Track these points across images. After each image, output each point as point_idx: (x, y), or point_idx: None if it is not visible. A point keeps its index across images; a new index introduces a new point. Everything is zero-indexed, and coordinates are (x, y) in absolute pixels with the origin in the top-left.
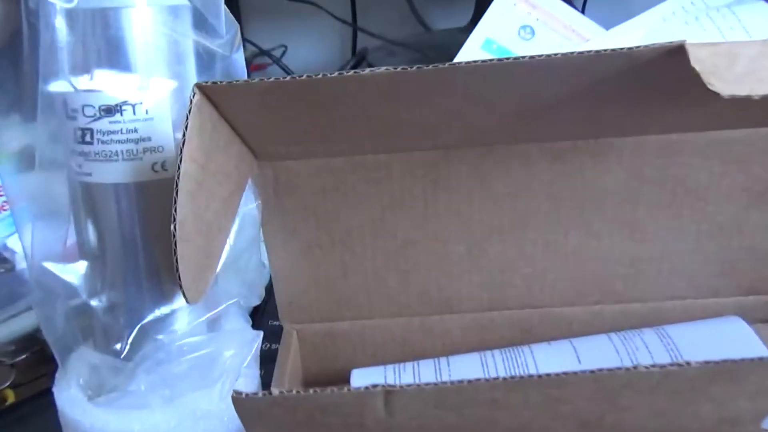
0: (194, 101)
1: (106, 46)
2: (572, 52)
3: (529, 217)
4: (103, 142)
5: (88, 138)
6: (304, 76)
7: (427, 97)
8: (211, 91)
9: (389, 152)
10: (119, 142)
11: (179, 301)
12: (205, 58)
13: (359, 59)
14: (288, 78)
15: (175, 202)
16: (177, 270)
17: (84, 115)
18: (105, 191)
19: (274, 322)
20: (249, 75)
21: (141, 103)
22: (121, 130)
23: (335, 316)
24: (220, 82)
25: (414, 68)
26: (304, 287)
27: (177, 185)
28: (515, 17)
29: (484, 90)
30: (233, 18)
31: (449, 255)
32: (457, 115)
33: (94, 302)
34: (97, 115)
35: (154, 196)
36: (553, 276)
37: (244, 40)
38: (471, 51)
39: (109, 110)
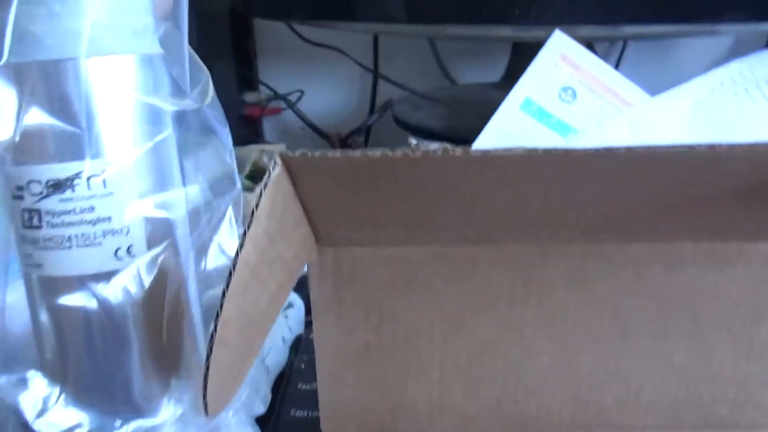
0: (273, 175)
1: (49, 106)
2: (725, 144)
3: (631, 326)
4: (53, 226)
5: (35, 221)
6: (399, 153)
7: (549, 185)
8: (293, 164)
9: (477, 244)
10: (72, 224)
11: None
12: (179, 114)
13: (383, 111)
14: (381, 153)
15: (224, 296)
16: (206, 378)
17: (30, 193)
18: (59, 286)
19: (297, 413)
20: (261, 120)
21: (98, 175)
22: (75, 209)
23: (388, 427)
24: (307, 153)
25: (541, 150)
26: (355, 393)
27: (231, 275)
28: (557, 78)
29: (621, 179)
30: (201, 64)
31: (531, 365)
32: (573, 205)
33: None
34: (45, 192)
35: (119, 290)
36: (651, 396)
37: (259, 81)
38: (510, 110)
39: (59, 185)
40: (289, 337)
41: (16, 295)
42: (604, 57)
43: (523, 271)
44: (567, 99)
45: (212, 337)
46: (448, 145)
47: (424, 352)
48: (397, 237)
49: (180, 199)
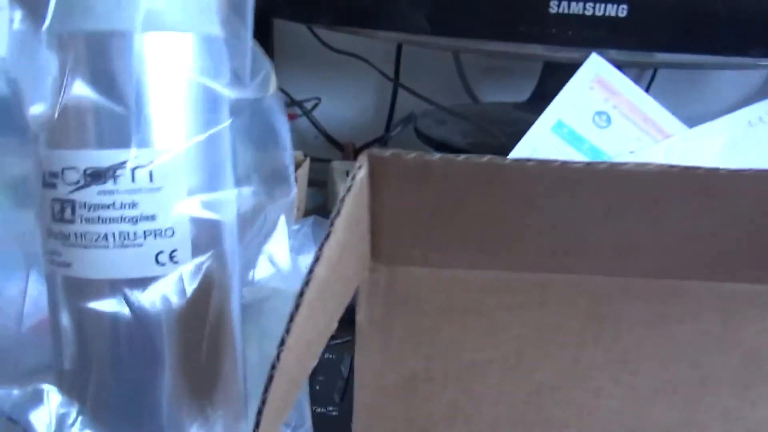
0: (359, 178)
1: (95, 82)
2: None
3: (711, 376)
4: (88, 221)
5: (68, 214)
6: (509, 161)
7: (661, 210)
8: (379, 166)
9: (550, 272)
10: (111, 220)
11: None
12: (234, 104)
13: (405, 123)
14: (488, 159)
15: (292, 320)
16: (261, 411)
17: (65, 181)
18: (88, 289)
19: (318, 409)
20: None
21: (144, 166)
22: (114, 203)
23: None
24: (401, 153)
25: (679, 169)
26: (393, 428)
27: (302, 295)
28: (591, 102)
29: (742, 207)
30: (263, 54)
31: (598, 411)
32: (675, 235)
33: None
34: (82, 182)
35: (157, 299)
36: None
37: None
38: (542, 131)
39: (99, 175)
40: None
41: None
42: (635, 81)
43: (599, 306)
44: (601, 124)
45: (274, 366)
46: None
47: (477, 389)
48: (464, 259)
49: (231, 201)
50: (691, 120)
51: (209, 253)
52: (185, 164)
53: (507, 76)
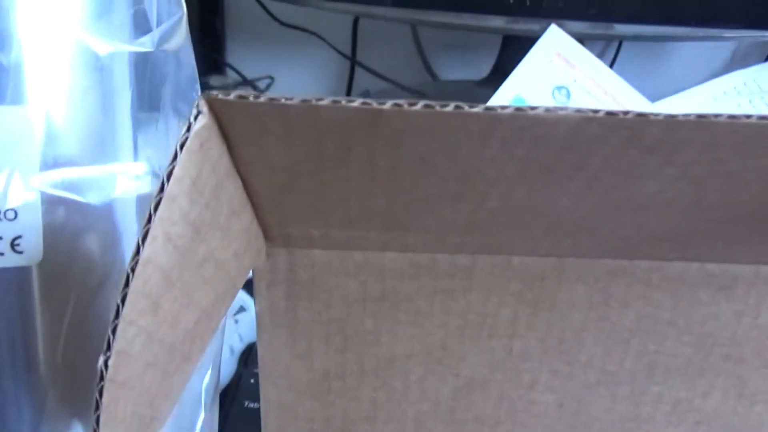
0: (196, 129)
1: None
2: None
3: (660, 364)
4: None
5: None
6: (389, 104)
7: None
8: (227, 115)
9: (474, 253)
10: None
11: None
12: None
13: None
14: (360, 103)
15: (118, 316)
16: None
17: None
18: None
19: (251, 405)
20: None
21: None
22: None
23: None
24: (248, 97)
25: (605, 114)
26: (309, 430)
27: (128, 284)
28: (551, 76)
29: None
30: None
31: (532, 406)
32: (619, 204)
33: None
34: None
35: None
36: None
37: (226, 64)
38: None
39: None
40: (239, 347)
41: None
42: (599, 56)
43: (532, 290)
44: (560, 99)
45: (102, 377)
46: (463, 104)
47: (398, 385)
48: (374, 239)
49: (120, 178)
50: (656, 96)
51: (79, 242)
52: (44, 129)
53: (466, 52)
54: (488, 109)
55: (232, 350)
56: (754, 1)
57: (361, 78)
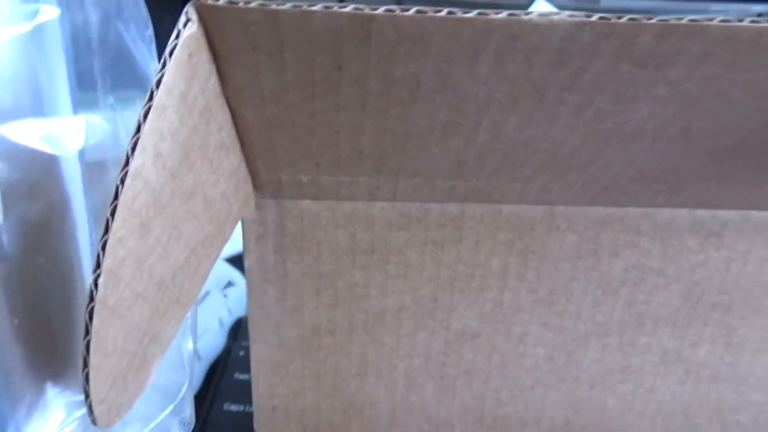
0: (184, 35)
1: None
2: None
3: (649, 314)
4: None
5: None
6: (381, 10)
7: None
8: (217, 22)
9: (465, 201)
10: None
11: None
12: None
13: None
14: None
15: (107, 231)
16: (85, 369)
17: None
18: None
19: (232, 407)
20: None
21: None
22: None
23: (340, 430)
24: (240, 2)
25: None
26: (299, 388)
27: (117, 196)
28: None
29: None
30: None
31: (522, 359)
32: (606, 141)
33: None
34: None
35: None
36: (662, 397)
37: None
38: None
39: None
40: (228, 320)
41: None
42: None
43: (522, 239)
44: None
45: (92, 297)
46: (457, 10)
47: (388, 339)
48: (363, 186)
49: (71, 130)
50: None
51: (33, 199)
52: None
53: None
54: (482, 14)
55: (221, 323)
56: None
57: None
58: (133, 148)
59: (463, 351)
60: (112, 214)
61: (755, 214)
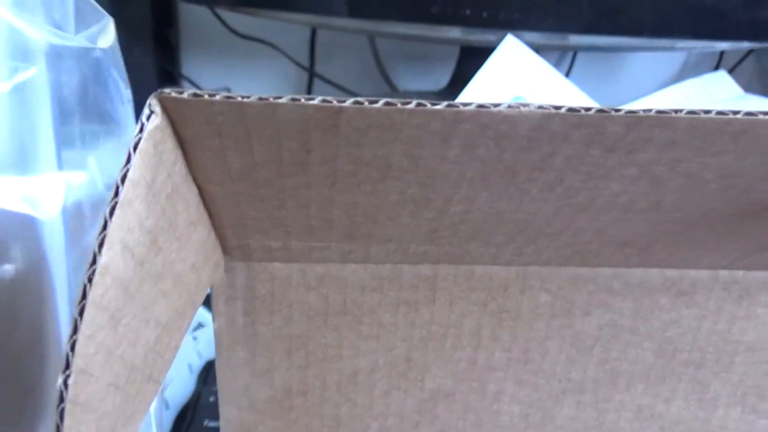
0: (149, 128)
1: None
2: None
3: (623, 371)
4: None
5: None
6: (349, 102)
7: (559, 174)
8: (181, 113)
9: (437, 263)
10: None
11: None
12: (66, 65)
13: None
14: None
15: (76, 331)
16: None
17: None
18: None
19: (210, 424)
20: None
21: None
22: None
23: None
24: (205, 94)
25: (568, 112)
26: None
27: (85, 297)
28: (507, 85)
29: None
30: (98, 7)
31: (498, 418)
32: (577, 210)
33: None
34: None
35: None
36: None
37: (181, 76)
38: None
39: None
40: (198, 364)
41: None
42: (555, 66)
43: (496, 299)
44: None
45: (62, 398)
46: (425, 101)
47: (361, 400)
48: (335, 250)
49: (52, 190)
50: (611, 104)
51: (11, 260)
52: None
53: (425, 63)
54: (450, 105)
55: (191, 368)
56: (703, 14)
57: (320, 90)
58: (101, 245)
59: (438, 410)
60: (81, 313)
61: (724, 274)
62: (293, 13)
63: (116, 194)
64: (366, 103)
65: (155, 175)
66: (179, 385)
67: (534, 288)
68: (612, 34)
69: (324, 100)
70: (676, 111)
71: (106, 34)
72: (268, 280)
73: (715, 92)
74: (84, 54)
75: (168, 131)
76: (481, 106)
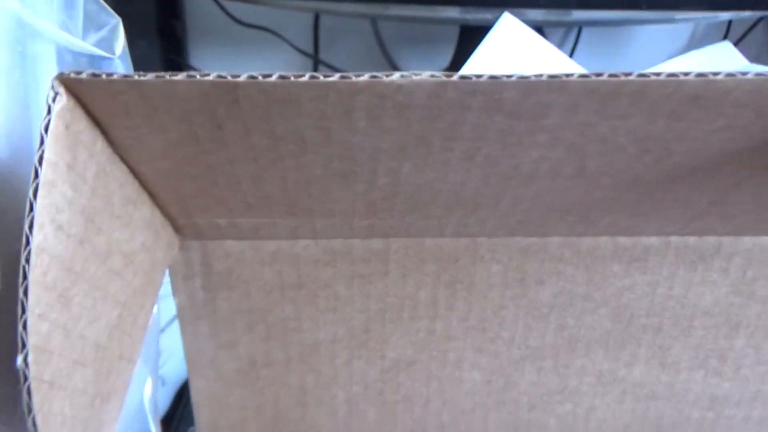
0: (56, 109)
1: None
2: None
3: (581, 337)
4: None
5: None
6: (244, 77)
7: (484, 145)
8: (86, 93)
9: (387, 236)
10: None
11: None
12: (74, 64)
13: None
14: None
15: (24, 311)
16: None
17: None
18: None
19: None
20: None
21: None
22: None
23: None
24: (103, 74)
25: (474, 78)
26: (241, 418)
27: (26, 277)
28: (505, 64)
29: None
30: (107, 8)
31: (460, 384)
32: (514, 181)
33: None
34: None
35: None
36: (603, 416)
37: (189, 66)
38: None
39: None
40: None
41: None
42: (559, 45)
43: (448, 271)
44: None
45: (25, 377)
46: (319, 75)
47: (325, 369)
48: (282, 226)
49: None
50: None
51: None
52: None
53: (427, 45)
54: (344, 77)
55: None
56: None
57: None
58: (30, 227)
59: (401, 378)
60: (25, 293)
61: (675, 240)
62: (294, 0)
63: (36, 176)
64: (260, 78)
65: (75, 155)
66: (176, 363)
67: (485, 259)
68: (611, 7)
69: (219, 76)
70: (567, 75)
71: (117, 39)
72: (222, 257)
73: (720, 63)
74: (95, 59)
75: (78, 111)
76: (373, 76)
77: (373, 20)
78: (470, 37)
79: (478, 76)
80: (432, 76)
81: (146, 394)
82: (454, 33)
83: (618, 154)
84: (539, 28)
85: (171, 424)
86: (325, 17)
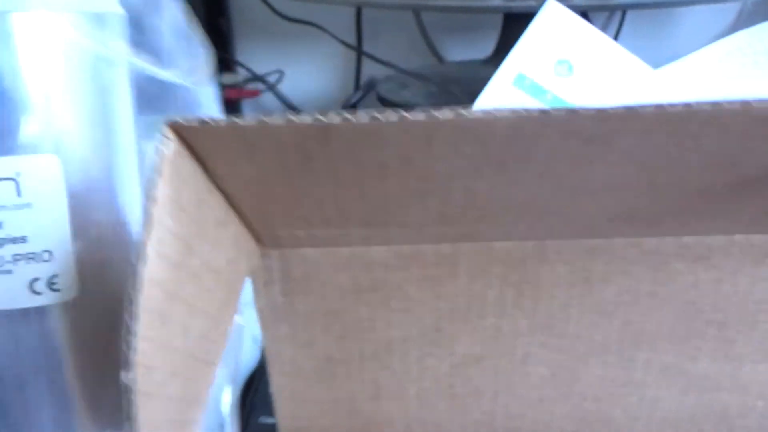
0: (165, 153)
1: None
2: None
3: (646, 332)
4: None
5: None
6: (338, 118)
7: (548, 161)
8: (194, 137)
9: (456, 241)
10: None
11: None
12: (151, 93)
13: (367, 90)
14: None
15: (130, 332)
16: None
17: None
18: None
19: (267, 420)
20: (239, 102)
21: (13, 179)
22: None
23: None
24: (208, 121)
25: (537, 112)
26: (319, 411)
27: (132, 302)
28: (552, 50)
29: (646, 151)
30: (200, 37)
31: (526, 378)
32: (578, 189)
33: None
34: None
35: (38, 333)
36: (668, 407)
37: (236, 62)
38: (501, 87)
39: None
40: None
41: None
42: (603, 29)
43: (515, 272)
44: (563, 73)
45: (130, 390)
46: (405, 113)
47: (397, 366)
48: (356, 235)
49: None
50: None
51: (107, 274)
52: (63, 174)
53: (470, 33)
54: (428, 114)
55: (255, 340)
56: None
57: (369, 66)
58: (138, 259)
59: (469, 372)
60: (131, 317)
61: (740, 238)
62: None
63: (146, 214)
64: (353, 120)
65: (179, 191)
66: (244, 356)
67: (551, 260)
68: None
69: (316, 119)
70: (641, 106)
71: (202, 69)
72: (300, 263)
73: (767, 44)
74: (183, 92)
75: (183, 152)
76: (457, 113)
77: (416, 11)
78: (514, 25)
79: (557, 111)
80: (512, 111)
81: (224, 402)
82: (497, 20)
83: (687, 169)
84: (584, 13)
85: (241, 413)
86: (367, 9)
